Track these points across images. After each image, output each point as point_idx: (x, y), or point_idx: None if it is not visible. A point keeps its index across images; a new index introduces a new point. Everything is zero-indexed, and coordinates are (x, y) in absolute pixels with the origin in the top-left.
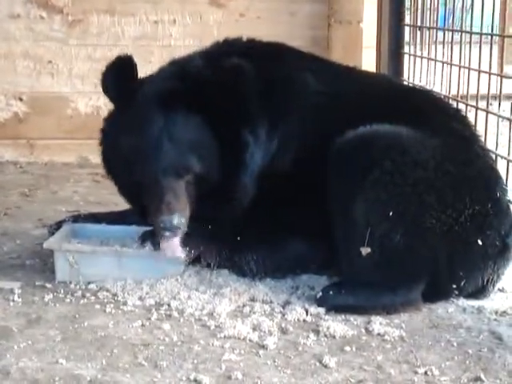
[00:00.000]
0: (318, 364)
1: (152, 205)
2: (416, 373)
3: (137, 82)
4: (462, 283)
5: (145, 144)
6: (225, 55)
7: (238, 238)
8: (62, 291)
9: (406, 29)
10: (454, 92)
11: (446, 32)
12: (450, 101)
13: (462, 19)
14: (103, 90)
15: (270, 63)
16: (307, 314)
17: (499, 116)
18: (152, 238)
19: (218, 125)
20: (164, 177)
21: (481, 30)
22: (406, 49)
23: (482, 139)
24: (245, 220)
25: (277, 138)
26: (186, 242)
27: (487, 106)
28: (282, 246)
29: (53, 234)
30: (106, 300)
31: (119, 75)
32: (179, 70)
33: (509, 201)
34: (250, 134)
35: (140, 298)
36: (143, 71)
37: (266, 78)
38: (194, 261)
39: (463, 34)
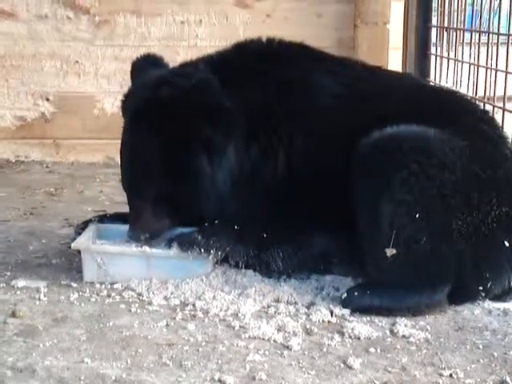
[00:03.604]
0: (342, 365)
1: None
2: (441, 375)
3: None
4: (489, 285)
5: (119, 157)
6: (224, 62)
7: (265, 236)
8: (88, 291)
9: (433, 30)
10: (480, 93)
11: (473, 33)
12: (477, 102)
13: (489, 20)
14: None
15: (284, 68)
16: (332, 315)
17: None
18: (179, 240)
19: (173, 149)
20: (127, 194)
21: (508, 30)
22: (433, 50)
23: (510, 141)
24: (269, 219)
25: (282, 147)
26: (213, 242)
27: None
28: (306, 243)
29: (79, 233)
30: (131, 300)
31: (138, 71)
32: (162, 81)
33: None
34: (208, 159)
35: (165, 298)
36: None
37: (277, 81)
38: (222, 261)
39: (490, 34)
